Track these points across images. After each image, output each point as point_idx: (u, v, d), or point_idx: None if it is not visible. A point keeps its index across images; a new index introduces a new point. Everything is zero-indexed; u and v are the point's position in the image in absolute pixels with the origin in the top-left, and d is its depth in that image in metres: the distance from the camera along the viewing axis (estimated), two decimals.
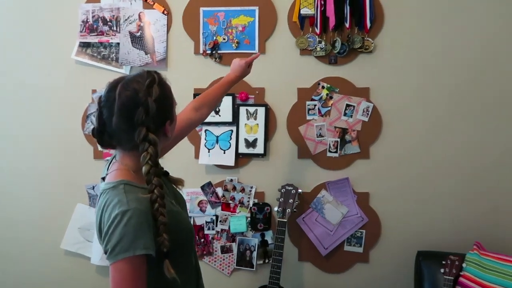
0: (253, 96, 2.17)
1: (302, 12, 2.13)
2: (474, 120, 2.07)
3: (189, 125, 1.52)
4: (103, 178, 1.15)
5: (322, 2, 2.12)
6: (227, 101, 2.15)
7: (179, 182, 1.24)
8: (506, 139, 2.06)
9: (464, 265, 1.79)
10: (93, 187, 2.21)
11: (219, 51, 2.18)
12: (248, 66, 1.69)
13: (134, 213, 0.97)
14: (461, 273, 1.78)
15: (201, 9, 2.18)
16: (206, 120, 2.13)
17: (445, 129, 2.08)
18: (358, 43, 2.10)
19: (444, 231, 2.09)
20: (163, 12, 2.19)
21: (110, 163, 1.18)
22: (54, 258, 2.26)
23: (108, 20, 2.20)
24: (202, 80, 2.17)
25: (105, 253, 0.99)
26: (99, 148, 2.18)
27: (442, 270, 1.80)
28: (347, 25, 2.11)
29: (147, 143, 1.02)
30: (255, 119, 2.16)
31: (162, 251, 1.00)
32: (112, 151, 1.24)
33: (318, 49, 2.13)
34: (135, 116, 1.01)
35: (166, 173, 1.24)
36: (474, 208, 2.07)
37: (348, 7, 2.11)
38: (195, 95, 2.14)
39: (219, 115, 2.17)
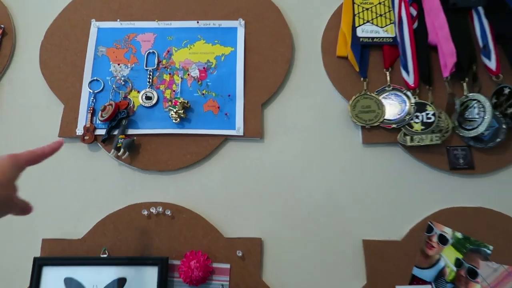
0: (228, 268, 0.68)
1: (360, 33, 0.80)
2: None
3: None
4: None
5: (414, 13, 0.80)
6: (148, 281, 0.65)
7: None
8: None
9: None
10: None
11: (131, 131, 0.75)
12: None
13: None
14: None
15: (94, 23, 0.83)
16: None
17: None
18: None
19: None
20: None
21: None
22: None
23: None
24: (76, 212, 0.71)
25: None
26: None
27: None
28: (492, 65, 0.76)
29: None
30: None
31: None
32: None
33: (417, 127, 0.73)
34: None
35: None
36: None
37: (484, 21, 0.79)
38: (37, 261, 0.65)
39: None
